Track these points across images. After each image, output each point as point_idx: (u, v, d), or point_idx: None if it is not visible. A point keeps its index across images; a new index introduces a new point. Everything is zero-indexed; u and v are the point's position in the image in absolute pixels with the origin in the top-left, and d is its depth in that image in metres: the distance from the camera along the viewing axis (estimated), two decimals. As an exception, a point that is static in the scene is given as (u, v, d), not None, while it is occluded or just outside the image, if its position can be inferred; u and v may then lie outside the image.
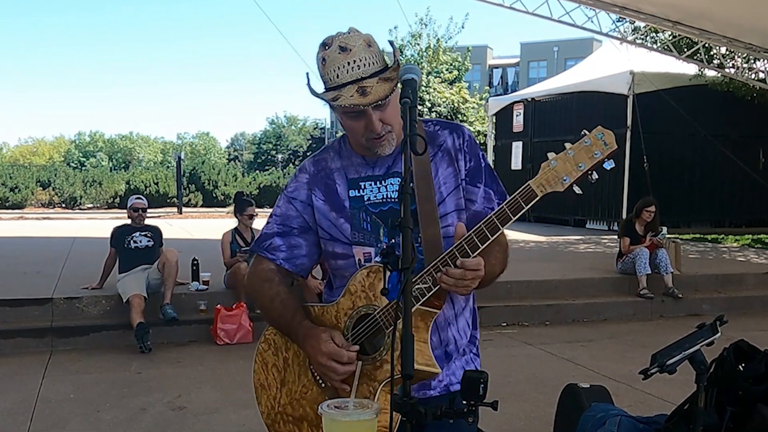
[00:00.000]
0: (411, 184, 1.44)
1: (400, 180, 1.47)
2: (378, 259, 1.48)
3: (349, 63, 1.40)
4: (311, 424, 1.50)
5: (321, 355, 1.42)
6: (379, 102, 1.41)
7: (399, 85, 1.41)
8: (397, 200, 1.48)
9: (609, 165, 1.34)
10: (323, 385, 1.49)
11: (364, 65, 1.41)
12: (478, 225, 1.38)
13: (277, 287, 1.55)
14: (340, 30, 1.46)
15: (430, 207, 1.49)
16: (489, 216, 1.38)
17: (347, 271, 1.53)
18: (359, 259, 1.53)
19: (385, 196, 1.53)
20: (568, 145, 1.36)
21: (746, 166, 11.37)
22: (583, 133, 1.36)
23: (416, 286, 1.38)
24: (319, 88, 1.48)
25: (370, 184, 1.54)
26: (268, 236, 1.60)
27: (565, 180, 1.35)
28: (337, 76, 1.41)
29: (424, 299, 1.39)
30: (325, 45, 1.43)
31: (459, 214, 1.54)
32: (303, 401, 1.52)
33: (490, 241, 1.37)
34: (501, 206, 1.38)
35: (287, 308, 1.52)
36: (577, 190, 1.36)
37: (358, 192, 1.54)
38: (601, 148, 1.34)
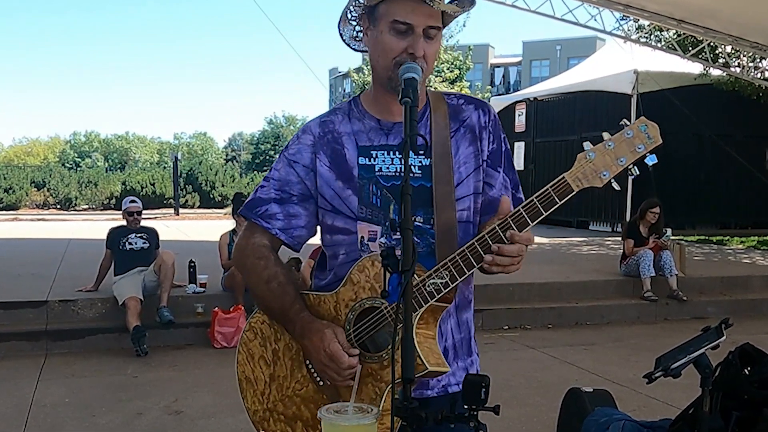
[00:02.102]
0: (429, 161, 1.38)
1: (415, 155, 1.35)
2: (383, 240, 1.38)
3: None
4: (306, 424, 1.40)
5: (324, 355, 1.32)
6: (449, 13, 1.33)
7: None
8: (413, 175, 1.38)
9: (651, 160, 1.23)
10: (321, 382, 1.39)
11: None
12: (504, 218, 1.26)
13: (273, 267, 1.42)
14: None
15: (447, 189, 1.38)
16: (517, 209, 1.26)
17: (345, 249, 1.41)
18: (362, 237, 1.40)
19: (399, 169, 1.40)
20: (606, 135, 1.24)
21: (752, 167, 11.29)
22: (623, 123, 1.24)
23: (431, 281, 1.28)
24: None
25: (383, 154, 1.40)
26: (263, 201, 1.44)
27: (604, 175, 1.24)
28: None
29: (440, 296, 1.29)
30: None
31: (476, 198, 1.43)
32: (296, 398, 1.41)
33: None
34: (531, 200, 1.25)
35: (286, 294, 1.39)
36: (615, 186, 1.25)
37: (369, 161, 1.40)
38: (644, 141, 1.22)
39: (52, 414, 3.74)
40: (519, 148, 14.03)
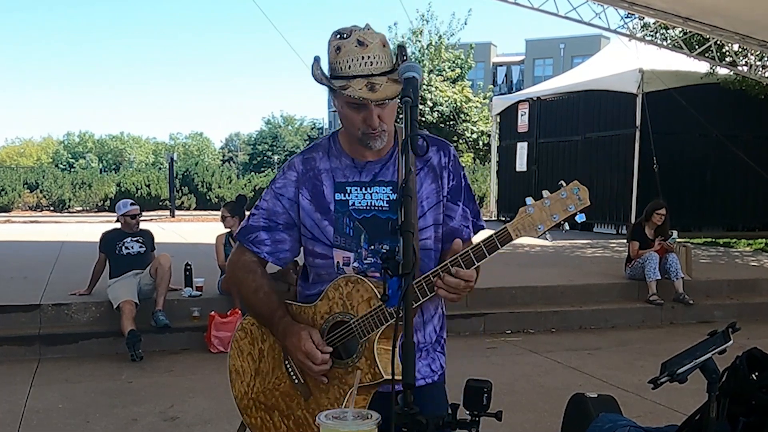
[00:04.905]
0: (396, 195, 1.57)
1: (384, 189, 1.60)
2: (356, 264, 1.60)
3: (363, 57, 1.49)
4: (282, 414, 1.64)
5: (300, 352, 1.54)
6: (385, 101, 1.50)
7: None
8: (380, 209, 1.60)
9: (581, 218, 1.45)
10: (296, 380, 1.61)
11: (377, 63, 1.49)
12: (455, 257, 1.48)
13: (260, 279, 1.66)
14: (356, 24, 1.56)
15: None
16: (466, 251, 1.48)
17: (324, 270, 1.64)
18: (338, 262, 1.62)
19: (369, 204, 1.62)
20: (546, 193, 1.46)
21: (759, 168, 11.15)
22: (560, 184, 1.46)
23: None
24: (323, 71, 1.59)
25: (356, 190, 1.62)
26: (254, 229, 1.69)
27: (539, 228, 1.47)
28: (350, 67, 1.49)
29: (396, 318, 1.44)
30: (340, 34, 1.52)
31: (436, 228, 1.65)
32: (276, 392, 1.65)
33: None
34: (478, 243, 1.49)
35: (270, 301, 1.63)
36: (548, 237, 1.49)
37: (344, 196, 1.62)
38: (575, 203, 1.44)
39: (46, 420, 3.71)
40: (522, 148, 13.94)
